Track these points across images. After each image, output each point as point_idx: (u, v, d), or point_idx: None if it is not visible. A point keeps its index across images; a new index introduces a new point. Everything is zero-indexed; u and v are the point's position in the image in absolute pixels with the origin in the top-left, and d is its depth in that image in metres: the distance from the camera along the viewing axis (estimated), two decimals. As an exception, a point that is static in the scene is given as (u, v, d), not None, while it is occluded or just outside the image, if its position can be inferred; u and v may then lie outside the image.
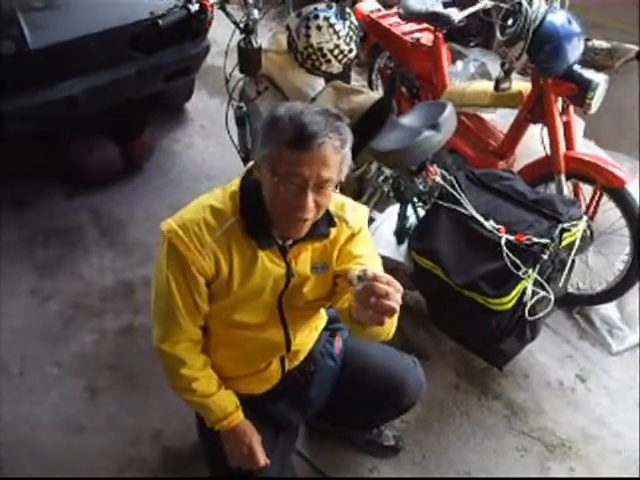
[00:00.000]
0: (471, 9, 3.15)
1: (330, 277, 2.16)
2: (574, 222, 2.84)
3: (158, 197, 4.43)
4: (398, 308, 1.61)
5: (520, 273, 2.68)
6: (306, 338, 2.40)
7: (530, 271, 2.70)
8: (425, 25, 4.07)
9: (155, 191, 4.50)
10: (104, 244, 4.10)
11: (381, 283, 1.60)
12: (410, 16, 3.95)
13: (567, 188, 3.36)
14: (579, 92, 3.19)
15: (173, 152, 4.92)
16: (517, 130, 3.54)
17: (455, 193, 2.89)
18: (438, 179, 2.98)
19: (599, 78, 3.16)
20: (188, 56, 4.38)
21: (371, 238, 2.22)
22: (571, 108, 3.37)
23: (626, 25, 4.44)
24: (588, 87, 3.15)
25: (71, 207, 4.37)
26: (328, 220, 2.06)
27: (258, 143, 1.92)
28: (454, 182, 2.93)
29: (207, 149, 4.89)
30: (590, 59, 3.52)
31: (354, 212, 2.17)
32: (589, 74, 3.18)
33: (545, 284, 2.78)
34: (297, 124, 1.80)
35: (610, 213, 3.37)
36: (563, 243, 2.82)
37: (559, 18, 3.15)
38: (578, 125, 3.67)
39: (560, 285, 2.96)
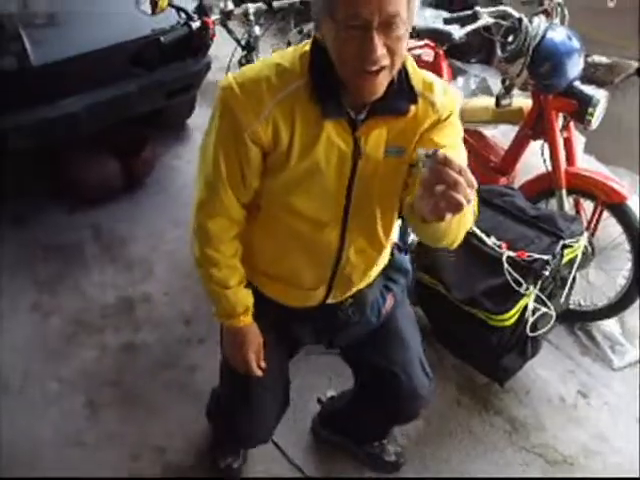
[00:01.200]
0: (472, 26, 3.15)
1: (404, 166, 1.86)
2: (575, 238, 2.85)
3: (159, 213, 4.43)
4: (465, 205, 1.37)
5: (521, 290, 2.69)
6: (360, 266, 2.09)
7: (531, 288, 2.71)
8: (426, 41, 4.08)
9: (156, 207, 4.50)
10: (105, 260, 4.09)
11: (452, 170, 1.37)
12: (411, 32, 3.95)
13: (568, 204, 3.37)
14: (580, 108, 3.20)
15: (174, 168, 4.92)
16: (518, 146, 3.55)
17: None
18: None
19: (599, 94, 3.17)
20: (190, 73, 4.38)
21: (460, 128, 1.92)
22: (572, 124, 3.38)
23: (625, 41, 4.47)
24: (589, 103, 3.16)
25: (72, 223, 4.35)
26: (408, 95, 1.79)
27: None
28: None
29: (208, 165, 4.82)
30: (590, 75, 3.54)
31: (444, 95, 1.86)
32: (589, 90, 3.20)
33: (546, 300, 2.79)
34: None
35: (611, 229, 3.37)
36: (564, 259, 2.84)
37: (559, 35, 3.17)
38: (578, 141, 3.68)
39: (561, 301, 2.98)
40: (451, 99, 1.87)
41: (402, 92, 1.77)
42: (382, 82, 1.67)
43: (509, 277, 2.69)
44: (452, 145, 1.82)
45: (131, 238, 4.26)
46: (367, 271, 2.13)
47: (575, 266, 2.92)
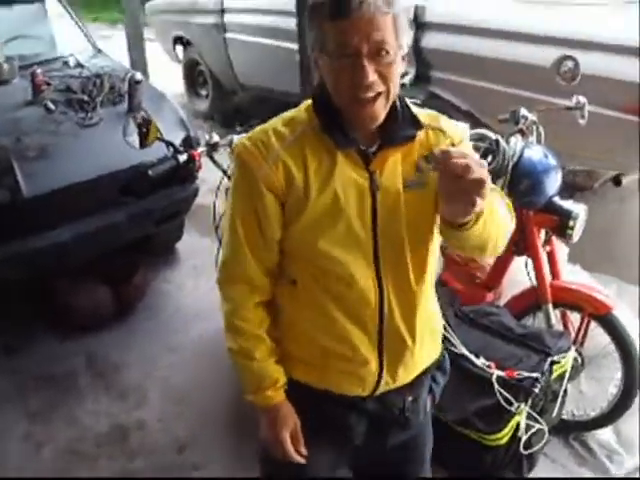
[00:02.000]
0: (450, 150, 3.23)
1: (430, 198, 1.79)
2: (563, 354, 2.87)
3: (152, 339, 4.43)
4: (486, 181, 1.47)
5: (513, 408, 2.69)
6: (405, 311, 1.91)
7: (522, 405, 2.72)
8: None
9: (149, 333, 4.51)
10: (99, 388, 4.07)
11: (456, 158, 1.45)
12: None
13: (555, 317, 3.39)
14: (560, 223, 3.26)
15: (165, 293, 4.94)
16: (502, 263, 3.59)
17: (444, 332, 2.92)
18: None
19: (579, 208, 3.24)
20: (178, 199, 4.47)
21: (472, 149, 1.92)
22: (554, 237, 3.43)
23: (599, 154, 4.59)
24: (569, 218, 3.22)
25: (64, 351, 4.35)
26: (412, 122, 1.83)
27: (307, 35, 1.81)
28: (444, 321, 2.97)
29: (198, 289, 4.90)
30: (570, 181, 3.60)
31: (452, 124, 1.91)
32: (569, 205, 3.26)
33: (538, 417, 2.79)
34: None
35: (600, 337, 3.37)
36: (554, 375, 2.85)
37: (536, 154, 3.26)
38: (562, 251, 3.73)
39: (554, 415, 2.97)
40: (460, 127, 1.94)
41: (406, 120, 1.82)
42: (379, 109, 1.73)
43: (500, 397, 2.70)
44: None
45: (124, 365, 4.24)
46: (413, 319, 1.93)
47: (565, 380, 2.93)
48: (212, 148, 3.14)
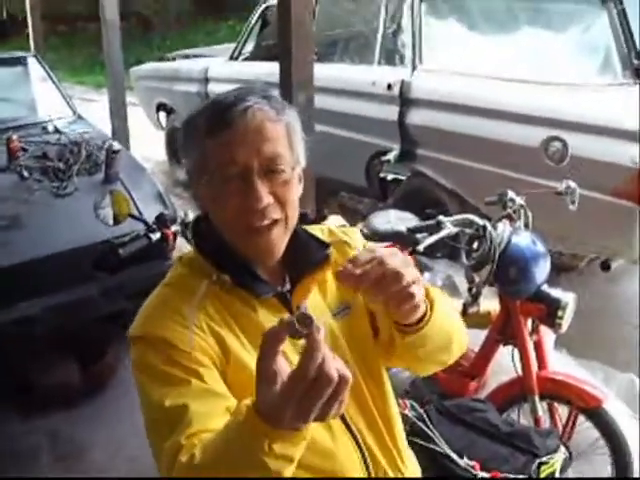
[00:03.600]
0: (435, 237, 3.13)
1: (361, 319, 1.65)
2: (552, 455, 2.72)
3: (121, 419, 4.20)
4: (407, 264, 1.33)
5: None
6: (384, 445, 1.68)
7: None
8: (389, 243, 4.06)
9: (119, 413, 4.26)
10: (59, 471, 3.87)
11: (363, 264, 1.31)
12: (375, 236, 3.94)
13: (541, 409, 3.23)
14: (548, 312, 3.12)
15: (136, 370, 4.73)
16: (487, 351, 3.45)
17: (426, 429, 2.77)
18: (408, 413, 2.87)
19: (568, 297, 3.11)
20: (152, 274, 4.27)
21: None
22: (541, 327, 3.30)
23: (587, 238, 4.51)
24: (558, 307, 3.08)
25: (26, 429, 4.15)
26: (318, 243, 1.64)
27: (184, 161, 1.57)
28: (424, 416, 2.82)
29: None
30: (556, 260, 3.50)
31: (344, 232, 1.76)
32: (557, 293, 3.13)
33: None
34: (211, 105, 1.49)
35: (588, 431, 3.23)
36: (542, 475, 2.69)
37: (524, 240, 3.15)
38: (549, 339, 3.60)
39: None
40: (355, 233, 1.81)
41: (310, 244, 1.63)
42: (278, 240, 1.51)
43: None
44: None
45: (91, 446, 4.04)
46: (394, 453, 1.71)
47: None
48: (186, 227, 3.02)
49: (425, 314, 1.48)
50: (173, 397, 1.40)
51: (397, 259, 1.33)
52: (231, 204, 1.46)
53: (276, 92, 1.58)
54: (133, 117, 9.04)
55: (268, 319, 1.53)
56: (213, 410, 1.39)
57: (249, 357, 1.48)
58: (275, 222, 1.49)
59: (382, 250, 1.35)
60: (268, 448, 1.16)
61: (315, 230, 1.72)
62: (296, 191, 1.53)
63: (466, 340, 1.71)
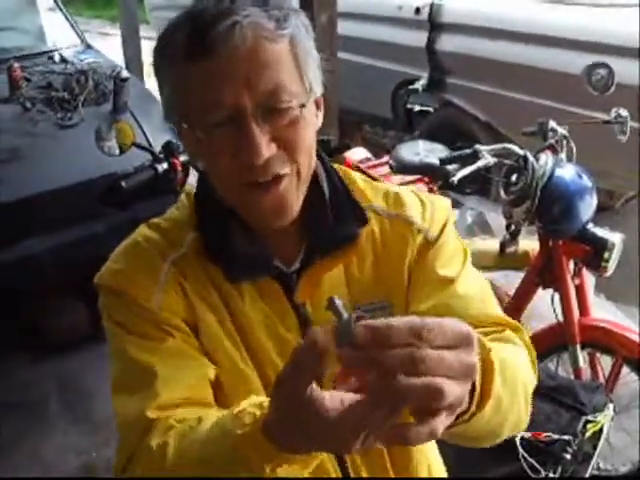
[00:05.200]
0: (471, 167, 2.87)
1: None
2: (599, 412, 2.52)
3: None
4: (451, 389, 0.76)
5: (540, 477, 2.33)
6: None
7: (551, 473, 2.37)
8: (418, 176, 3.83)
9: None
10: (69, 420, 3.75)
11: (385, 345, 0.76)
12: (403, 169, 3.71)
13: (582, 359, 3.02)
14: (593, 254, 2.89)
15: (147, 312, 4.59)
16: (524, 295, 3.21)
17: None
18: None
19: (615, 238, 2.87)
20: (163, 210, 4.10)
21: (461, 244, 1.35)
22: (584, 270, 3.06)
23: (631, 173, 4.31)
24: (604, 248, 2.84)
25: (35, 375, 4.02)
26: (352, 212, 1.27)
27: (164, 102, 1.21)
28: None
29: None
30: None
31: (423, 206, 1.32)
32: (604, 233, 2.89)
33: None
34: (189, 21, 1.11)
35: (633, 384, 3.05)
36: (587, 434, 2.49)
37: (568, 173, 2.88)
38: (590, 284, 3.37)
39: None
40: (438, 207, 1.34)
41: (342, 208, 1.26)
42: (288, 196, 1.16)
43: (524, 463, 2.33)
44: (467, 280, 1.27)
45: (98, 393, 3.83)
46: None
47: (601, 441, 2.58)
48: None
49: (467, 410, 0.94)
50: (143, 352, 1.19)
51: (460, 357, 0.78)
52: (222, 160, 1.13)
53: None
54: (150, 51, 8.82)
55: (255, 307, 1.23)
56: (186, 377, 1.16)
57: (226, 342, 1.22)
58: (281, 176, 1.15)
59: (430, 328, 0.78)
60: (270, 471, 0.92)
61: (375, 189, 1.33)
62: (309, 131, 1.16)
63: (527, 414, 1.19)
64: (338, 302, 0.80)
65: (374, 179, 1.42)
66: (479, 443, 1.14)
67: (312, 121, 1.18)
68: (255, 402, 0.97)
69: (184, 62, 1.09)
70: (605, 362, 3.09)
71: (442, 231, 1.30)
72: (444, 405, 0.76)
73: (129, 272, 1.25)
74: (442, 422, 0.78)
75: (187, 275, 1.24)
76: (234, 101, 1.07)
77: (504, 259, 3.21)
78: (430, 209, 1.32)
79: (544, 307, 3.16)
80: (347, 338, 0.76)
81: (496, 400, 0.97)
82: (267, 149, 1.08)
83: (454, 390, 0.76)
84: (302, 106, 1.12)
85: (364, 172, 3.76)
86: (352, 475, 1.29)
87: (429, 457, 1.38)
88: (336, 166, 1.34)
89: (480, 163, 2.84)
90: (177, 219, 1.30)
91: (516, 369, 1.10)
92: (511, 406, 1.07)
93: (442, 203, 1.36)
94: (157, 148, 3.10)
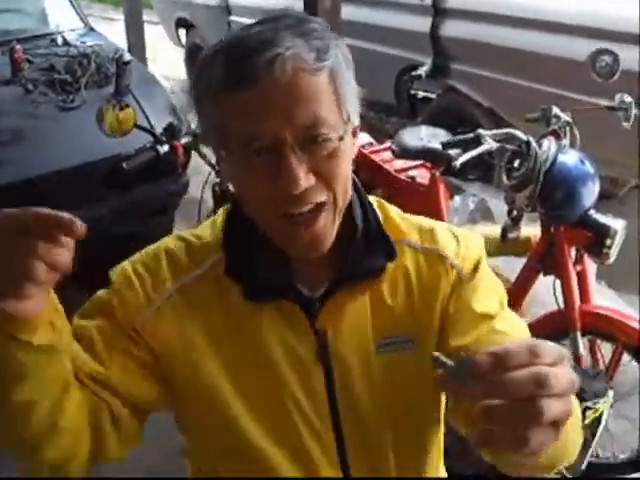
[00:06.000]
0: (474, 151, 2.86)
1: (427, 361, 1.05)
2: (599, 399, 2.51)
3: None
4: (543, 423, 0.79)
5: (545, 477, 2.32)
6: None
7: None
8: (421, 162, 3.82)
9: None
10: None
11: (498, 376, 0.78)
12: (405, 153, 3.70)
13: (583, 346, 3.01)
14: (595, 240, 2.88)
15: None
16: (525, 281, 3.21)
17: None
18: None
19: (617, 224, 2.86)
20: (166, 193, 4.18)
21: (496, 282, 1.35)
22: (586, 256, 3.05)
23: (629, 160, 4.31)
24: (606, 235, 2.83)
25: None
26: (384, 247, 1.26)
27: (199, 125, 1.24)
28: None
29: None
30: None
31: (456, 240, 1.32)
32: (606, 220, 2.88)
33: (565, 472, 2.43)
34: (227, 49, 1.10)
35: (633, 371, 3.07)
36: (586, 421, 2.48)
37: (571, 159, 2.87)
38: (591, 271, 3.36)
39: (582, 466, 2.63)
40: (472, 244, 1.33)
41: (372, 240, 1.25)
42: (324, 228, 1.15)
43: None
44: (502, 314, 1.27)
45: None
46: None
47: (600, 428, 2.57)
48: (197, 138, 2.80)
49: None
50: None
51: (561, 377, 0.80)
52: (259, 188, 1.11)
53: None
54: (154, 36, 8.83)
55: (273, 327, 1.23)
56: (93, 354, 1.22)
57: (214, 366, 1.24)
58: (319, 206, 1.13)
59: (553, 347, 0.82)
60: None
61: (409, 223, 1.33)
62: (347, 162, 1.16)
63: (578, 449, 1.21)
64: (436, 354, 0.83)
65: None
66: (537, 472, 1.16)
67: (350, 152, 1.17)
68: None
69: (224, 92, 1.09)
70: (606, 349, 3.08)
71: (476, 268, 1.30)
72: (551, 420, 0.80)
73: (135, 283, 1.25)
74: (542, 436, 0.81)
75: (193, 302, 1.25)
76: (273, 133, 1.07)
77: (506, 245, 3.20)
78: (464, 246, 1.32)
79: (545, 293, 3.15)
80: (466, 373, 0.79)
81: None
82: (305, 179, 1.08)
83: (564, 404, 0.82)
84: (341, 139, 1.12)
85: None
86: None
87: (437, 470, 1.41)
88: (372, 198, 1.34)
89: (482, 148, 2.83)
90: (206, 238, 1.30)
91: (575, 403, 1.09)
92: (572, 437, 1.09)
93: (476, 240, 1.36)
94: (158, 128, 3.13)
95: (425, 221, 1.36)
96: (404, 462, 1.31)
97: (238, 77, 1.06)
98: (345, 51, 1.17)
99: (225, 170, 1.22)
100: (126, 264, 1.30)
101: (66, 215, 0.98)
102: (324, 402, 1.23)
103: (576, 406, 1.06)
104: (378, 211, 1.31)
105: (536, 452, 0.81)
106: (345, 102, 1.14)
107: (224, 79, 1.08)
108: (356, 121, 1.19)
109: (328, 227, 1.16)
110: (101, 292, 1.31)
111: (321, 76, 1.09)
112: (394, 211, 1.35)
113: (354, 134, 1.21)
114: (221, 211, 1.34)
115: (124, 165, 2.77)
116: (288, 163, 1.06)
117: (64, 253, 0.97)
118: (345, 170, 1.15)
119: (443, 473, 1.44)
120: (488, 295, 1.28)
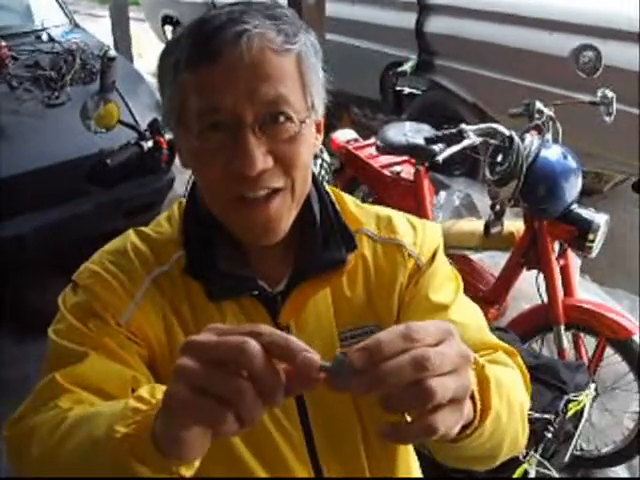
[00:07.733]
0: (457, 146, 2.86)
1: None
2: (581, 391, 2.51)
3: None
4: (439, 388, 0.75)
5: (520, 456, 2.32)
6: None
7: (532, 452, 2.35)
8: (405, 157, 3.82)
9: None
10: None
11: (386, 360, 0.74)
12: (389, 149, 3.70)
13: (566, 340, 3.03)
14: (578, 234, 2.89)
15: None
16: (509, 275, 3.22)
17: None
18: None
19: (600, 219, 2.87)
20: (150, 190, 4.12)
21: (455, 272, 1.34)
22: (569, 251, 3.07)
23: (623, 156, 4.25)
24: (588, 229, 2.85)
25: (16, 356, 3.93)
26: (344, 238, 1.24)
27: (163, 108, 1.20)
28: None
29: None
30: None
31: (414, 229, 1.31)
32: (588, 214, 2.90)
33: (548, 465, 2.43)
34: (196, 27, 1.09)
35: (614, 364, 3.04)
36: (569, 414, 2.49)
37: (554, 153, 2.89)
38: (575, 265, 3.37)
39: (566, 458, 2.64)
40: (429, 233, 1.33)
41: (333, 235, 1.23)
42: (279, 214, 1.12)
43: None
44: (459, 305, 1.26)
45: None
46: None
47: (582, 420, 2.58)
48: None
49: (469, 424, 0.94)
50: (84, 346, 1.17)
51: (446, 355, 0.77)
52: (214, 167, 1.09)
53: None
54: (141, 33, 8.78)
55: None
56: (114, 376, 1.12)
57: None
58: (275, 192, 1.11)
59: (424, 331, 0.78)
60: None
61: (367, 212, 1.32)
62: (308, 150, 1.13)
63: (524, 435, 1.22)
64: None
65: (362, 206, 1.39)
66: (478, 463, 1.15)
67: (311, 141, 1.15)
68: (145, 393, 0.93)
69: (187, 65, 1.07)
70: (589, 343, 3.09)
71: (434, 257, 1.30)
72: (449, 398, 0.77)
73: (108, 279, 1.20)
74: (448, 416, 0.78)
75: (167, 294, 1.21)
76: (233, 108, 1.04)
77: (489, 240, 3.20)
78: (421, 234, 1.31)
79: (529, 288, 3.16)
80: (344, 371, 0.76)
81: (495, 415, 0.98)
82: (262, 161, 1.06)
83: (458, 379, 0.78)
84: (302, 122, 1.09)
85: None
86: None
87: (409, 466, 1.38)
88: (329, 189, 1.32)
89: (465, 143, 2.84)
90: (166, 233, 1.26)
91: (512, 388, 1.11)
92: (509, 424, 1.07)
93: (433, 228, 1.36)
94: (143, 125, 3.11)
95: (382, 210, 1.35)
96: (376, 459, 1.28)
97: (203, 53, 1.05)
98: (314, 40, 1.15)
99: (183, 151, 1.17)
100: (90, 265, 1.25)
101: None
102: (291, 400, 1.20)
103: (512, 387, 1.10)
104: (336, 202, 1.30)
105: (450, 434, 0.80)
106: (310, 88, 1.12)
107: (189, 53, 1.07)
108: (320, 112, 1.17)
109: (284, 212, 1.13)
110: (72, 300, 1.24)
111: (287, 58, 1.08)
112: (350, 200, 1.34)
113: (318, 129, 1.20)
114: (175, 205, 1.31)
115: (108, 161, 2.74)
116: (245, 142, 1.04)
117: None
118: (305, 158, 1.12)
119: (417, 470, 1.41)
120: (444, 285, 1.28)
